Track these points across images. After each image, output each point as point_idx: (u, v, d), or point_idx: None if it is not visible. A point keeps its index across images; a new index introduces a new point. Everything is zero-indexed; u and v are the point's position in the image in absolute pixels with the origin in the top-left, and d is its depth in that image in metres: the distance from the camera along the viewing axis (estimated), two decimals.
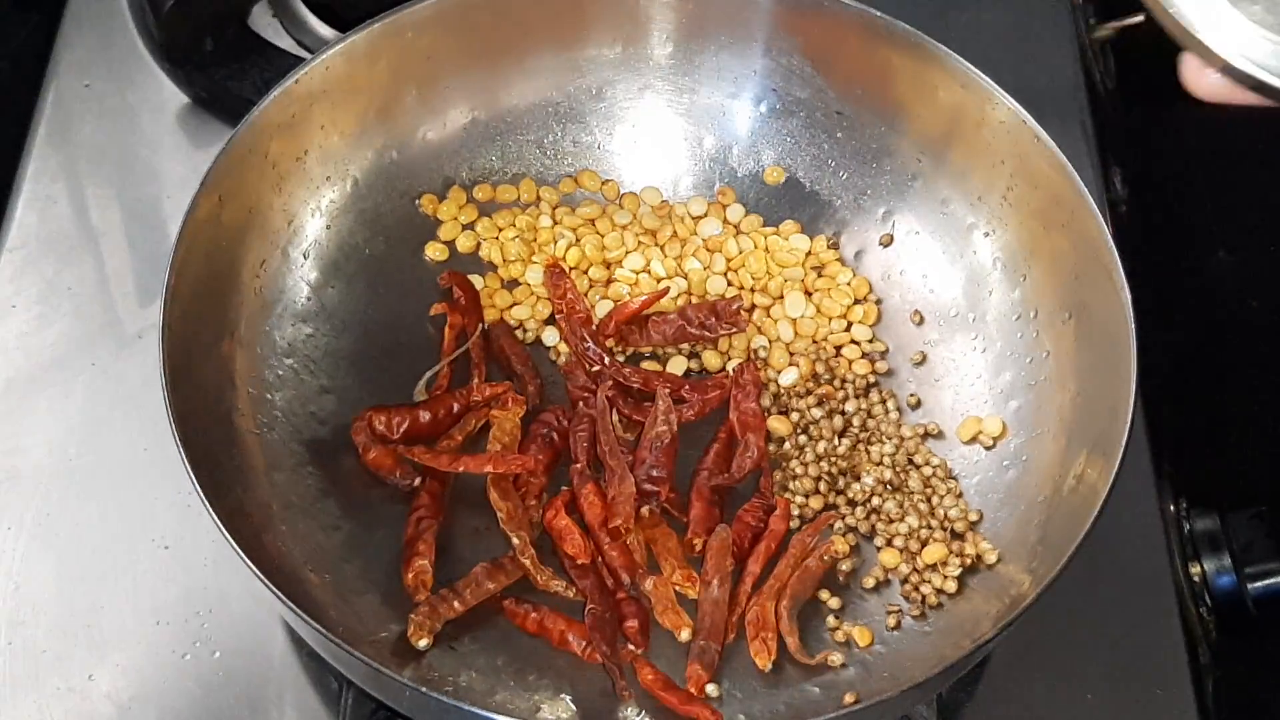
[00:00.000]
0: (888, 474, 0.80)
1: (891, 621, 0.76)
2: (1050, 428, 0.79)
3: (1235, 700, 0.81)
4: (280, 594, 0.66)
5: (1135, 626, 0.80)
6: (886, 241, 0.88)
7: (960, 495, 0.80)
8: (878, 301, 0.87)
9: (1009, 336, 0.83)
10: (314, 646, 0.75)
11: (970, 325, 0.85)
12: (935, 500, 0.79)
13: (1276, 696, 0.85)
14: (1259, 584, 0.83)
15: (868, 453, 0.81)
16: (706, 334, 0.84)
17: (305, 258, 0.85)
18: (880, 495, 0.79)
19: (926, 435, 0.82)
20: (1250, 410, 0.94)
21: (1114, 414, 0.72)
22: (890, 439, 0.82)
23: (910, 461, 0.81)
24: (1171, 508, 0.85)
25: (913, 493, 0.80)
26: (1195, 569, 0.84)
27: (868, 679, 0.73)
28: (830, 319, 0.87)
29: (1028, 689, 0.78)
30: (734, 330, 0.84)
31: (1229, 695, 0.80)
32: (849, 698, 0.72)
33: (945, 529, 0.78)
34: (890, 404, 0.83)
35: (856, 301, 0.87)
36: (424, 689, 0.65)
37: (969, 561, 0.77)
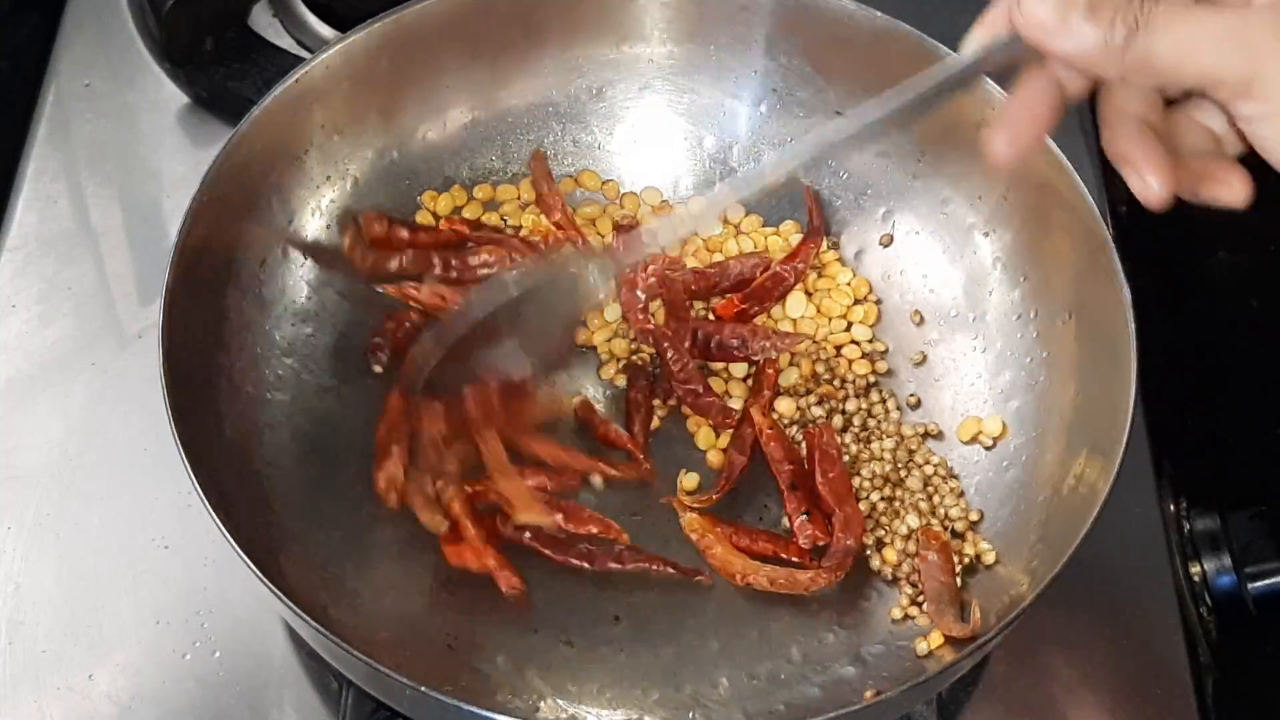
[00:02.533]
0: (887, 468, 0.80)
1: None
2: (1050, 428, 0.79)
3: (1235, 700, 0.81)
4: (280, 594, 0.66)
5: (1135, 626, 0.80)
6: (886, 241, 0.88)
7: (960, 495, 0.80)
8: (878, 301, 0.87)
9: (1009, 336, 0.83)
10: (314, 646, 0.75)
11: (970, 325, 0.85)
12: (935, 500, 0.79)
13: (1277, 696, 0.85)
14: (1259, 584, 0.83)
15: (869, 450, 0.81)
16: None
17: (305, 257, 0.85)
18: (880, 493, 0.80)
19: (926, 435, 0.82)
20: (1250, 410, 0.94)
21: (1114, 414, 0.72)
22: (890, 438, 0.82)
23: (910, 461, 0.81)
24: (1171, 508, 0.85)
25: (913, 492, 0.80)
26: (1195, 569, 0.83)
27: (868, 679, 0.74)
28: (830, 319, 0.87)
29: (1028, 689, 0.78)
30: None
31: (1229, 695, 0.80)
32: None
33: (945, 528, 0.78)
34: (890, 404, 0.83)
35: (856, 301, 0.87)
36: (424, 689, 0.65)
37: (968, 561, 0.77)
